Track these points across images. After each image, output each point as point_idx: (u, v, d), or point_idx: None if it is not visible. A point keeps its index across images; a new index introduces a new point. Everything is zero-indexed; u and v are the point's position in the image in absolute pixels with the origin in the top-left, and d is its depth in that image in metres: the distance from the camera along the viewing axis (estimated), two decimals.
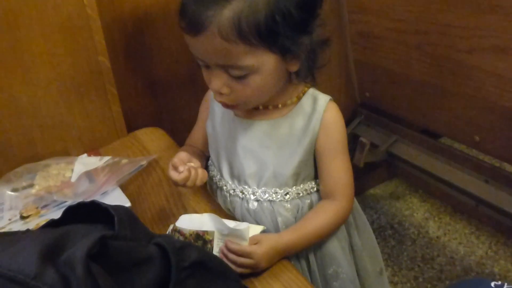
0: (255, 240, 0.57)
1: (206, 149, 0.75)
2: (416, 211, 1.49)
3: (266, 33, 0.54)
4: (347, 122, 1.40)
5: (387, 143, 1.33)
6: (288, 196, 0.65)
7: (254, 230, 0.60)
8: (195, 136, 0.77)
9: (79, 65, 0.84)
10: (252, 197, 0.66)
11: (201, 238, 0.58)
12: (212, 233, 0.57)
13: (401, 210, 1.50)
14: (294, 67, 0.60)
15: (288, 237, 0.60)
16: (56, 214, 0.41)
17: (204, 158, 0.76)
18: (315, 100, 0.65)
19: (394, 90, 1.24)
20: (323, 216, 0.64)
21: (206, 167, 0.75)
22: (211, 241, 0.57)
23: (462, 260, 1.29)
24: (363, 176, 1.54)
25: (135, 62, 1.04)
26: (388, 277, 1.25)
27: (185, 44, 0.58)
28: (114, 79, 0.90)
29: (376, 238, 0.78)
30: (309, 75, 0.63)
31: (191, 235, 0.58)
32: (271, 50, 0.56)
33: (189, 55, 0.60)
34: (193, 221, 0.61)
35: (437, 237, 1.38)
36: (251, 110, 0.66)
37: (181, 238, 0.59)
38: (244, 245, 0.56)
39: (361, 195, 1.58)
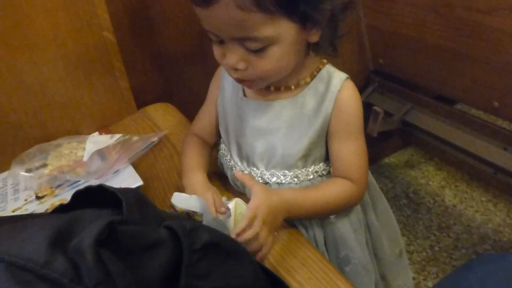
0: (253, 209, 0.54)
1: (212, 139, 0.72)
2: (432, 180, 1.47)
3: None
4: (360, 90, 1.37)
5: (402, 111, 1.30)
6: (297, 179, 0.63)
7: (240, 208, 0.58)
8: (202, 121, 0.73)
9: (84, 42, 0.83)
10: (260, 180, 0.64)
11: (191, 218, 0.57)
12: (201, 214, 0.56)
13: (416, 178, 1.49)
14: (315, 37, 0.56)
15: (290, 196, 0.58)
16: (70, 194, 0.41)
17: (210, 151, 0.73)
18: (329, 79, 0.60)
19: (409, 56, 1.19)
20: (332, 186, 0.61)
21: (215, 147, 0.74)
22: (200, 222, 0.56)
23: (479, 228, 1.28)
24: (377, 145, 1.52)
25: (141, 36, 1.02)
26: (404, 246, 1.25)
27: (191, 15, 0.56)
28: (120, 55, 0.88)
29: (391, 207, 0.76)
30: (330, 45, 0.58)
31: (182, 213, 0.57)
32: (290, 18, 0.51)
33: (196, 26, 0.57)
34: (185, 200, 0.58)
35: (453, 205, 1.37)
36: (261, 90, 0.63)
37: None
38: (241, 224, 0.53)
39: (375, 164, 1.56)
